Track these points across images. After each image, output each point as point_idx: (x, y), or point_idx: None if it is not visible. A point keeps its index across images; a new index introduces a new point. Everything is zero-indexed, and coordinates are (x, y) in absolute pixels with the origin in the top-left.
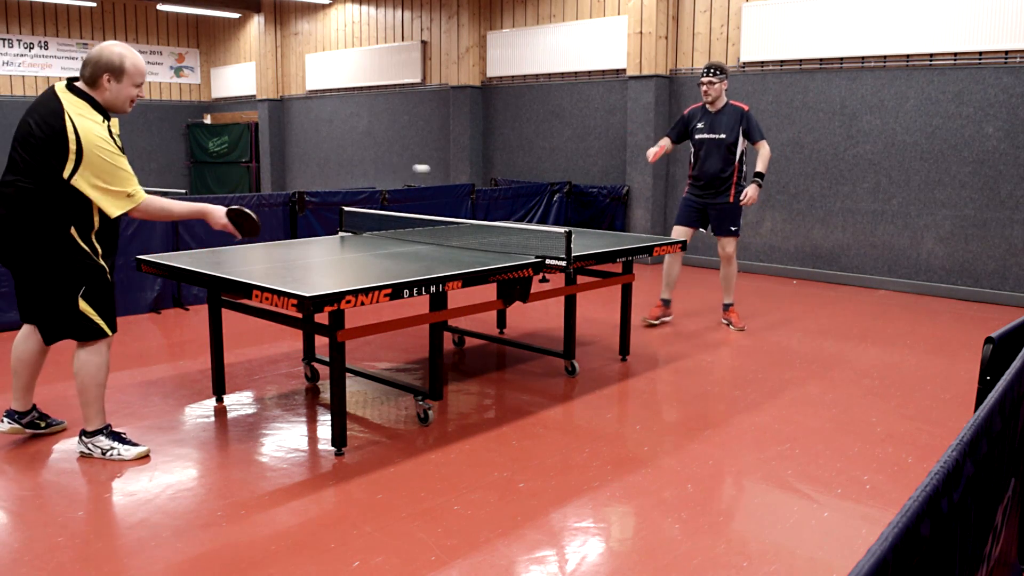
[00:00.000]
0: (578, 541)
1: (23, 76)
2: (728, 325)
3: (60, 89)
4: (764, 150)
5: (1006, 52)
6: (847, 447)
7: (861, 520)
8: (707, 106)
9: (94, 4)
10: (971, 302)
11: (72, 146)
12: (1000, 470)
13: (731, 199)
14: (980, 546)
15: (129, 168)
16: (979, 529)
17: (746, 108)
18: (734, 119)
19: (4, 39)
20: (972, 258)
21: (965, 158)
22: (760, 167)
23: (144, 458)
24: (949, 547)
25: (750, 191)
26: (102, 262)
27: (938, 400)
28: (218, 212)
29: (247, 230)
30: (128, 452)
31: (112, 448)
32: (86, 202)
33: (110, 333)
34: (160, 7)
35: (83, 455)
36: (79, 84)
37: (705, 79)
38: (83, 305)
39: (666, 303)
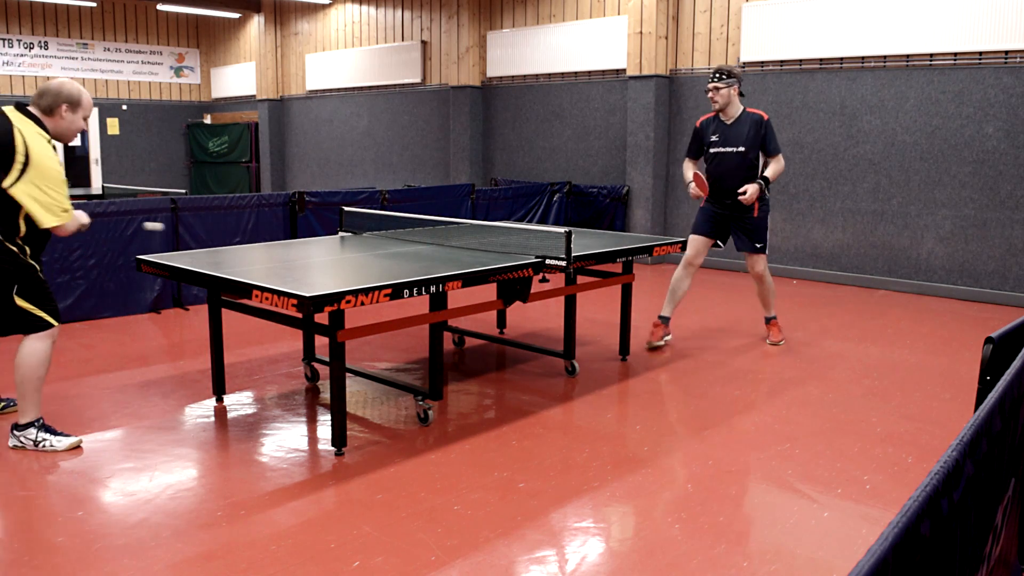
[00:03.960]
0: (578, 541)
1: (23, 76)
2: (765, 339)
3: (9, 110)
4: (779, 163)
5: (1006, 52)
6: (847, 447)
7: (861, 520)
8: (720, 115)
9: (94, 4)
10: (971, 302)
11: (20, 157)
12: (1000, 470)
13: (755, 213)
14: (980, 546)
15: (65, 189)
16: (979, 529)
17: (766, 116)
18: (752, 129)
19: (4, 39)
20: (972, 258)
21: (965, 158)
22: (768, 172)
23: (76, 448)
24: (949, 547)
25: (750, 187)
26: (30, 261)
27: (938, 400)
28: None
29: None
30: (60, 443)
31: (44, 440)
32: (14, 209)
33: (55, 323)
34: (160, 7)
35: (15, 448)
36: (31, 109)
37: (710, 84)
38: (19, 301)
39: (665, 321)
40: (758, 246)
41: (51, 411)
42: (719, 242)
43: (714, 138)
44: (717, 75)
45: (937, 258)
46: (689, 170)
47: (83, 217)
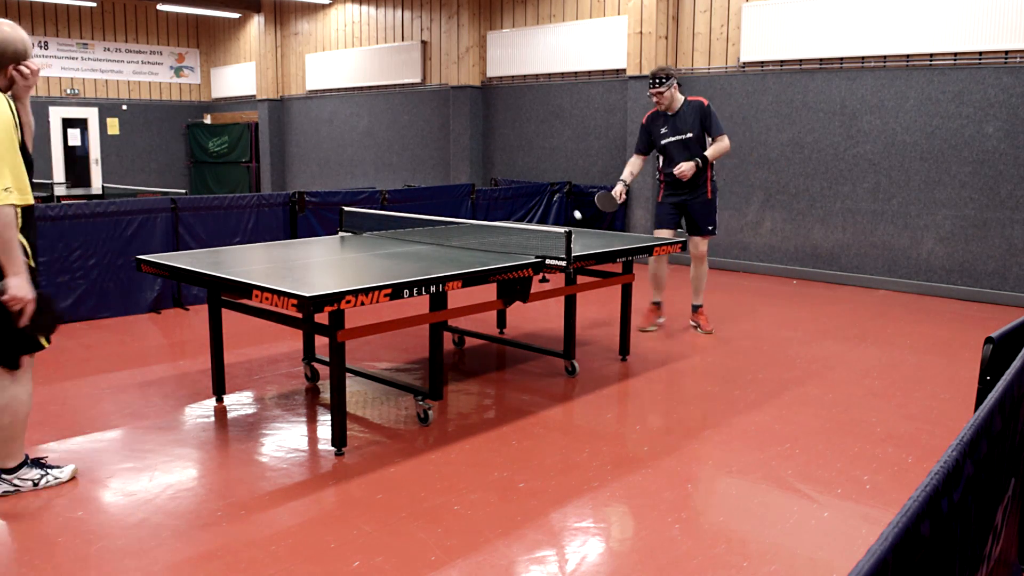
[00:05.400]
0: (578, 541)
1: None
2: (696, 328)
3: None
4: (722, 143)
5: (1006, 52)
6: (847, 447)
7: (861, 520)
8: (666, 110)
9: (94, 4)
10: (971, 302)
11: None
12: (1000, 470)
13: (708, 195)
14: (980, 546)
15: (20, 166)
16: (979, 529)
17: (705, 102)
18: (695, 115)
19: None
20: (972, 258)
21: (965, 158)
22: (708, 152)
23: (74, 479)
24: (949, 547)
25: (685, 164)
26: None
27: (938, 400)
28: (21, 283)
29: (43, 324)
30: (63, 473)
31: (44, 475)
32: None
33: (44, 345)
34: (160, 7)
35: (5, 494)
36: None
37: (652, 90)
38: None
39: (658, 305)
40: (710, 228)
41: (52, 412)
42: (679, 229)
43: (664, 130)
44: (657, 81)
45: (937, 258)
46: (628, 169)
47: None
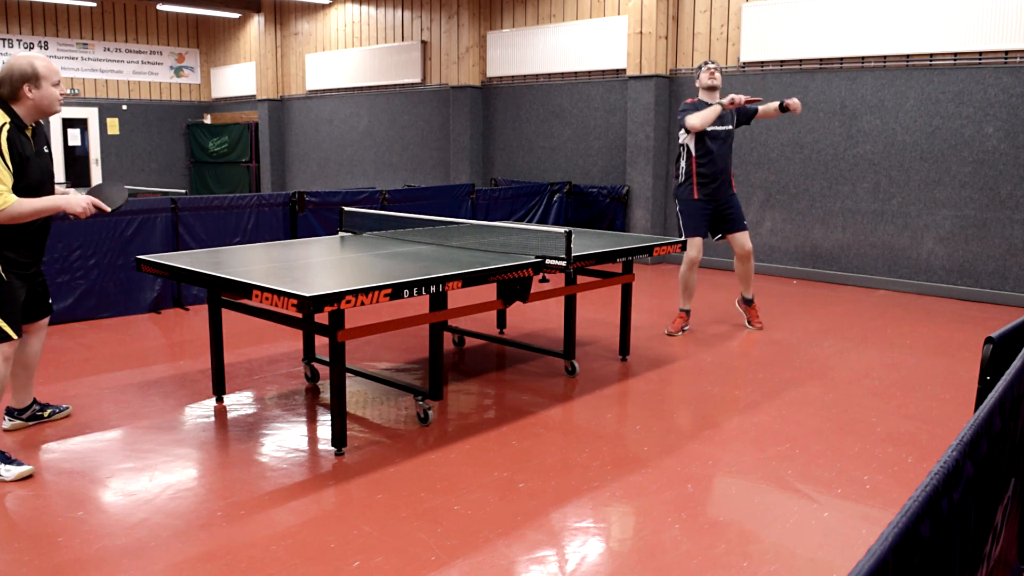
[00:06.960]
0: (578, 541)
1: None
2: (747, 325)
3: None
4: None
5: (1006, 52)
6: (847, 447)
7: (861, 520)
8: (706, 101)
9: (94, 4)
10: (971, 302)
11: None
12: (1000, 470)
13: (733, 187)
14: (980, 546)
15: (5, 174)
16: (979, 529)
17: None
18: (733, 111)
19: (4, 39)
20: (972, 258)
21: (965, 158)
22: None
23: (28, 479)
24: (949, 547)
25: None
26: None
27: (938, 400)
28: (76, 198)
29: (114, 199)
30: (9, 472)
31: None
32: None
33: (15, 336)
34: (160, 7)
35: None
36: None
37: (715, 66)
38: None
39: (688, 313)
40: (745, 222)
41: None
42: (707, 236)
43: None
44: (716, 63)
45: (937, 258)
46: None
47: (36, 202)
